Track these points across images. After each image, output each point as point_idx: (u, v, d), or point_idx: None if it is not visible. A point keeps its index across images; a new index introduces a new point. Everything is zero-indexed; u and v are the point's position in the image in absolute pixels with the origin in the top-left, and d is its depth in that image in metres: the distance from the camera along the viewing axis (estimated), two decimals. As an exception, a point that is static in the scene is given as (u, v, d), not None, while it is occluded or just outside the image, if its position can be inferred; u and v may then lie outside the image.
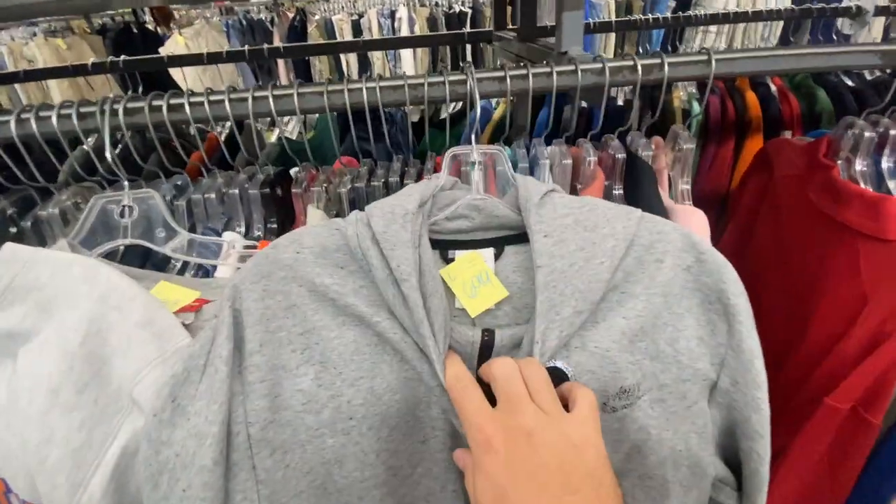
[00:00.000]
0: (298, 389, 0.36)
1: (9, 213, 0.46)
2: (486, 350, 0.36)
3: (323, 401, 0.37)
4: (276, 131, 0.94)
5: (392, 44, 1.80)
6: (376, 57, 2.30)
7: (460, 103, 0.92)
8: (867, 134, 0.51)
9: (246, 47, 1.14)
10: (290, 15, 2.87)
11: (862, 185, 0.52)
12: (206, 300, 0.40)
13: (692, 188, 0.58)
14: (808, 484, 0.53)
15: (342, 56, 2.34)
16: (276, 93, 0.46)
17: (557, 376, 0.36)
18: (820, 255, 0.54)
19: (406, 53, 2.21)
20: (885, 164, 0.51)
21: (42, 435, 0.34)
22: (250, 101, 0.46)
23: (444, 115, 0.96)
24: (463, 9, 2.37)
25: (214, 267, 0.42)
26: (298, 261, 0.37)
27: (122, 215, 0.41)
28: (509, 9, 1.01)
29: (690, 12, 1.41)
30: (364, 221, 0.37)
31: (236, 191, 0.46)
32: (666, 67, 0.45)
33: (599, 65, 0.45)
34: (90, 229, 0.41)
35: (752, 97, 0.84)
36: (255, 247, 0.43)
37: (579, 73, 0.44)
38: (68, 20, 2.61)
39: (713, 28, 2.02)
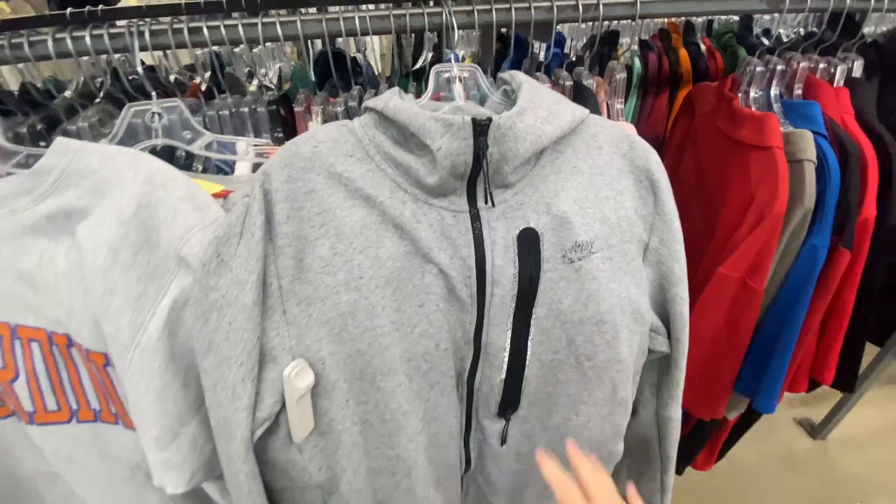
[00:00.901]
0: (318, 256, 0.45)
1: (38, 129, 0.51)
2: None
3: (338, 265, 0.46)
4: (255, 81, 0.98)
5: None
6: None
7: (430, 56, 1.00)
8: (759, 69, 0.65)
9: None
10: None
11: (754, 109, 0.65)
12: (229, 191, 0.48)
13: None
14: (710, 345, 0.67)
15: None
16: (265, 20, 0.53)
17: (530, 234, 0.47)
18: (724, 169, 0.68)
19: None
20: (773, 91, 0.65)
21: (106, 286, 0.41)
22: (240, 27, 0.52)
23: (417, 66, 1.04)
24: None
25: (233, 166, 0.50)
26: (315, 153, 0.46)
27: (152, 122, 0.47)
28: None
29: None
30: (369, 110, 0.46)
31: (246, 109, 0.53)
32: (601, 8, 0.56)
33: (549, 3, 0.55)
34: (125, 133, 0.47)
35: (684, 54, 0.97)
36: (266, 150, 0.51)
37: (532, 9, 0.55)
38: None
39: None
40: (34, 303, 0.43)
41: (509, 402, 0.57)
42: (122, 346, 0.42)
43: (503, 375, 0.55)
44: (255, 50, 1.06)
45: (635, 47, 1.07)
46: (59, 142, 0.43)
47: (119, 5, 2.36)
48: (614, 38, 1.05)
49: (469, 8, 0.53)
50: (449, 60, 1.04)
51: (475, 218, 0.47)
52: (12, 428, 0.47)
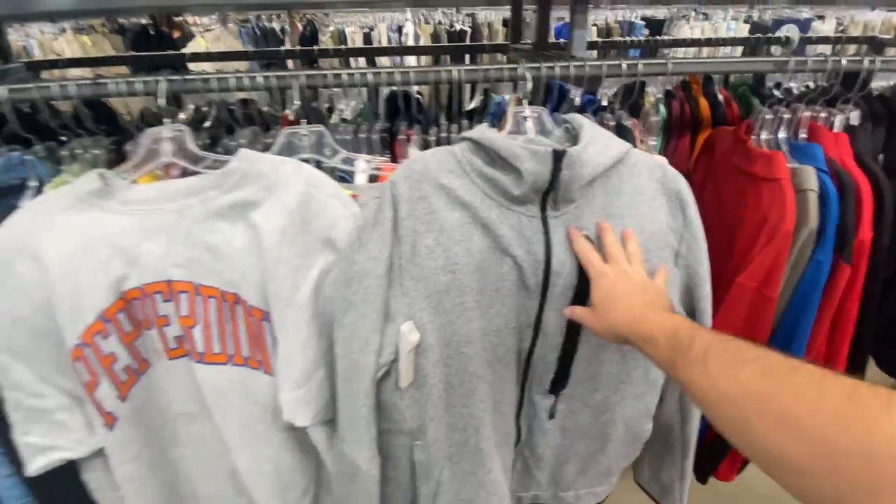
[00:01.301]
0: (425, 245, 0.60)
1: (205, 143, 0.68)
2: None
3: (439, 253, 0.60)
4: (336, 115, 1.17)
5: (402, 51, 2.05)
6: (383, 63, 2.57)
7: (478, 101, 1.18)
8: (768, 117, 0.79)
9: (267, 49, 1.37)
10: (300, 26, 3.12)
11: (765, 149, 0.79)
12: (356, 195, 0.63)
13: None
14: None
15: (352, 62, 2.60)
16: (346, 72, 0.70)
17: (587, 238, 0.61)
18: (740, 197, 0.81)
19: (411, 61, 2.49)
20: (781, 135, 0.79)
21: (274, 256, 0.56)
22: (330, 76, 0.69)
23: (469, 106, 1.21)
24: (463, 27, 2.68)
25: (352, 176, 0.66)
26: (426, 168, 0.61)
27: (301, 141, 0.64)
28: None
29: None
30: (467, 139, 0.61)
31: (365, 135, 0.70)
32: (640, 66, 0.72)
33: (600, 62, 0.71)
34: (282, 148, 0.63)
35: (703, 103, 1.12)
36: (380, 166, 0.67)
37: (587, 66, 0.71)
38: (90, 19, 2.78)
39: (681, 51, 2.38)
40: (215, 268, 0.58)
41: (560, 379, 0.69)
42: (282, 303, 0.56)
43: (559, 354, 0.67)
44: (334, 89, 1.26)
45: (660, 95, 1.23)
46: (243, 152, 0.59)
47: (188, 47, 2.65)
48: (642, 87, 1.21)
49: (538, 65, 0.69)
50: (498, 104, 1.22)
51: (545, 223, 0.61)
52: (181, 367, 0.61)
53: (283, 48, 2.22)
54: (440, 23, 2.74)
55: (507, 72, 0.68)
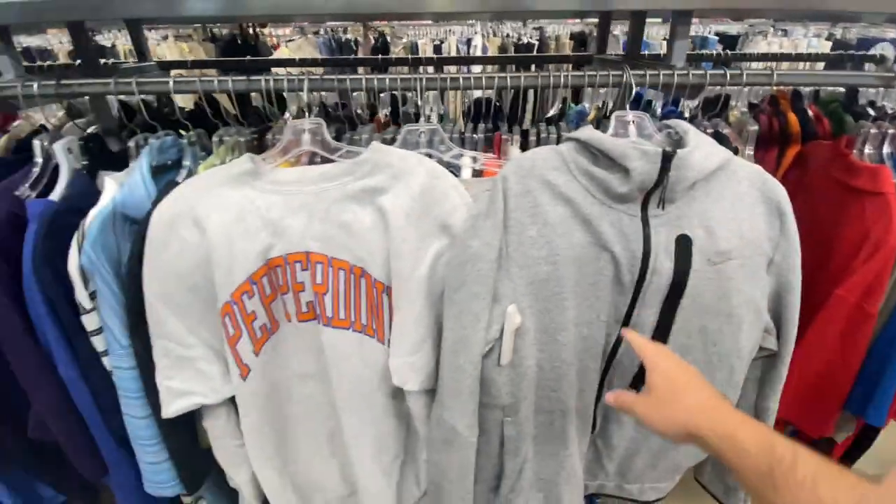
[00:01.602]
0: (529, 236, 0.64)
1: (333, 136, 0.76)
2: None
3: (541, 244, 0.64)
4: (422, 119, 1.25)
5: (472, 61, 2.10)
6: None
7: (558, 108, 1.21)
8: (873, 131, 0.78)
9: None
10: (372, 38, 3.29)
11: (868, 163, 0.78)
12: (465, 187, 0.69)
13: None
14: (824, 362, 0.77)
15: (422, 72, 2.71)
16: (441, 76, 0.75)
17: (686, 239, 0.63)
18: (839, 211, 0.80)
19: (478, 70, 2.56)
20: (885, 150, 0.78)
21: (399, 236, 0.62)
22: (424, 80, 0.74)
23: (550, 114, 1.25)
24: (530, 41, 2.73)
25: (459, 171, 0.72)
26: (533, 165, 0.66)
27: (419, 137, 0.71)
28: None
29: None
30: (573, 139, 0.65)
31: (471, 134, 0.76)
32: (745, 76, 0.73)
33: (703, 71, 0.73)
34: (402, 143, 0.70)
35: (792, 117, 1.11)
36: (486, 162, 0.73)
37: (690, 75, 0.73)
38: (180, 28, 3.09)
39: (758, 66, 2.32)
40: (347, 244, 0.65)
41: (643, 374, 0.71)
42: (403, 278, 0.63)
43: (645, 349, 0.69)
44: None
45: (744, 109, 1.22)
46: (374, 144, 0.66)
47: (276, 54, 2.86)
48: (726, 100, 1.21)
49: (643, 72, 0.73)
50: (579, 112, 1.25)
51: (645, 222, 0.64)
52: (308, 329, 0.69)
53: (355, 56, 2.35)
54: (508, 36, 2.81)
55: (613, 77, 0.72)
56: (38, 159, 0.73)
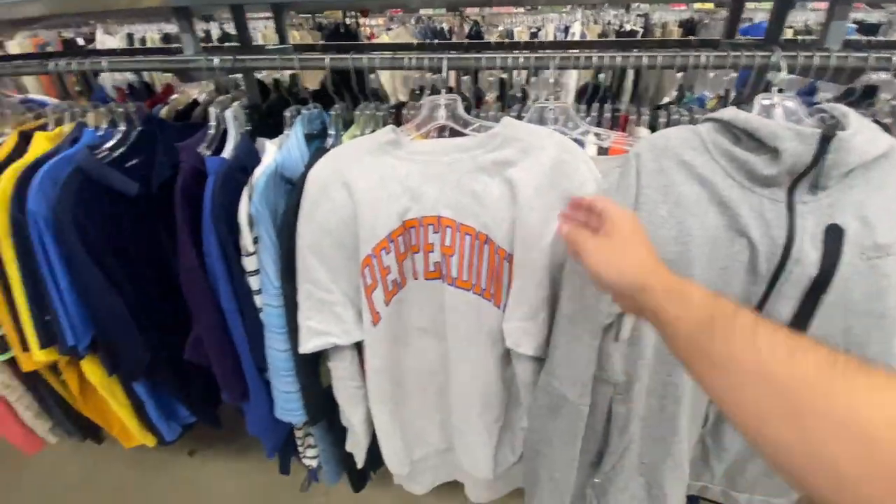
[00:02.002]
0: (659, 214, 0.64)
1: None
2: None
3: (671, 224, 0.64)
4: (530, 101, 1.26)
5: (579, 46, 2.04)
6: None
7: (672, 96, 1.15)
8: None
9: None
10: (466, 27, 3.33)
11: None
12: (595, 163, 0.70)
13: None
14: None
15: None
16: (537, 54, 0.75)
17: (836, 230, 0.60)
18: None
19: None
20: None
21: (528, 207, 0.65)
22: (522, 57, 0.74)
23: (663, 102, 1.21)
24: (634, 27, 2.61)
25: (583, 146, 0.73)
26: (668, 145, 0.65)
27: (549, 114, 0.73)
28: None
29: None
30: (714, 119, 0.64)
31: (596, 114, 0.77)
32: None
33: (865, 54, 0.68)
34: (534, 119, 0.73)
35: (958, 111, 0.98)
36: (614, 140, 0.73)
37: (850, 58, 0.68)
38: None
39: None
40: (475, 211, 0.69)
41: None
42: (527, 247, 0.66)
43: (775, 344, 0.66)
44: (531, 80, 1.35)
45: (895, 101, 1.09)
46: (506, 119, 0.70)
47: (376, 41, 2.99)
48: (872, 91, 1.09)
49: (794, 53, 0.69)
50: (699, 99, 1.19)
51: (790, 208, 0.61)
52: (432, 287, 0.75)
53: (450, 41, 2.39)
54: (609, 23, 2.71)
55: (759, 59, 0.69)
56: (213, 123, 0.85)
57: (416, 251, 0.72)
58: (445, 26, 3.36)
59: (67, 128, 0.93)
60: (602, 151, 0.75)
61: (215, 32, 3.08)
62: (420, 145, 0.72)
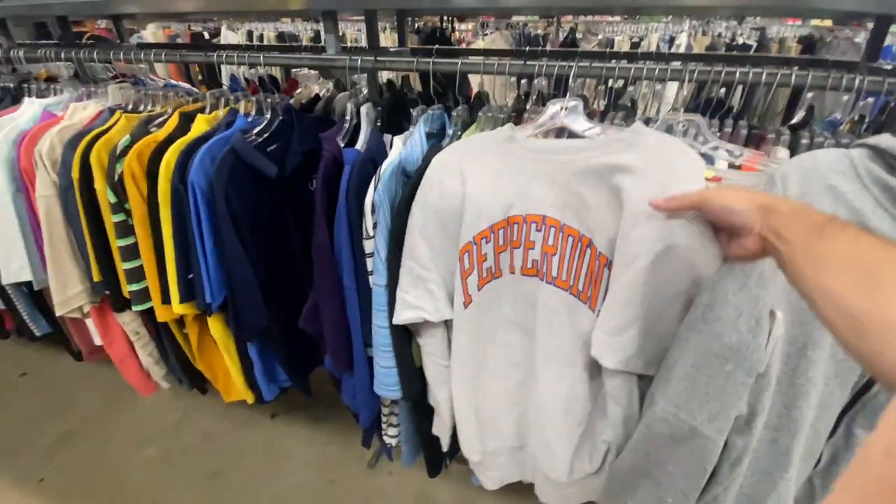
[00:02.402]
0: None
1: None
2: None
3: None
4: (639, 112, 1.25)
5: (681, 58, 1.97)
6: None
7: (800, 118, 1.08)
8: None
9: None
10: (562, 35, 3.30)
11: None
12: (720, 178, 0.68)
13: None
14: None
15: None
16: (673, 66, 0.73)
17: None
18: None
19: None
20: None
21: (632, 219, 0.65)
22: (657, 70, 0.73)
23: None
24: (748, 41, 2.46)
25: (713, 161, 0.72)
26: (815, 167, 0.62)
27: (678, 126, 0.73)
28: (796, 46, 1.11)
29: None
30: (868, 146, 0.61)
31: (730, 129, 0.76)
32: None
33: None
34: (661, 129, 0.74)
35: None
36: (747, 158, 0.71)
37: None
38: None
39: None
40: (580, 214, 0.70)
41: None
42: (625, 263, 0.66)
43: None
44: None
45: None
46: (637, 124, 0.70)
47: (472, 45, 3.05)
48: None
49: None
50: (831, 122, 1.10)
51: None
52: (527, 284, 0.77)
53: (541, 49, 2.40)
54: (720, 35, 2.57)
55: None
56: (347, 118, 0.93)
57: (516, 246, 0.75)
58: (540, 32, 3.37)
59: (222, 112, 1.06)
60: (733, 167, 0.73)
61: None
62: (535, 143, 0.75)
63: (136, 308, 1.18)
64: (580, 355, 0.76)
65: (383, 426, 1.14)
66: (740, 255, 0.55)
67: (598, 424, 0.83)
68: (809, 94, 1.14)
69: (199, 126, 1.02)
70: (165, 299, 1.10)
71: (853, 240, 0.41)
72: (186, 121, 1.05)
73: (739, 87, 1.27)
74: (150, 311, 1.17)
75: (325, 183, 0.86)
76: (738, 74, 0.72)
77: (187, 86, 1.57)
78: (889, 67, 1.11)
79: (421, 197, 0.78)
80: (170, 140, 1.00)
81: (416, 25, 3.73)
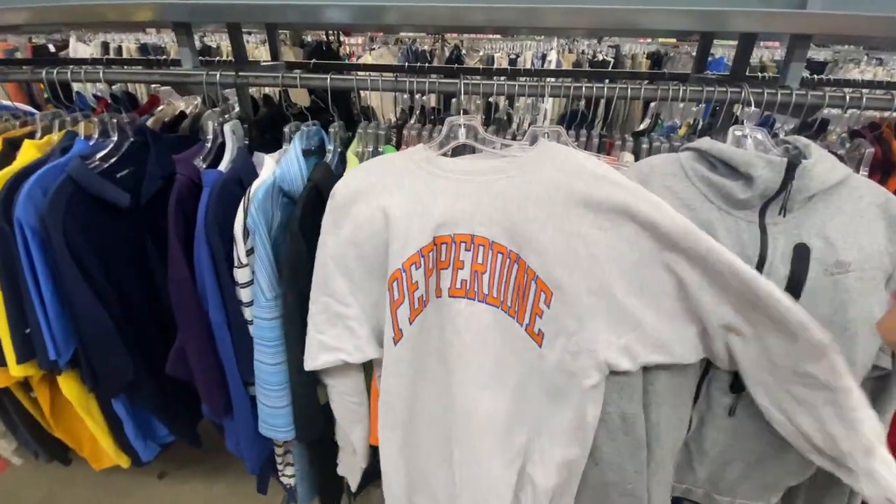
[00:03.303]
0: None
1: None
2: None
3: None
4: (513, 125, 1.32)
5: (555, 74, 2.15)
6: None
7: (647, 124, 1.24)
8: None
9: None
10: (447, 51, 3.43)
11: None
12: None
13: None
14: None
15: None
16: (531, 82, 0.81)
17: (803, 248, 0.66)
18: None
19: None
20: None
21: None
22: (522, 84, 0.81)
23: (640, 129, 1.29)
24: (606, 57, 2.77)
25: None
26: (652, 172, 0.71)
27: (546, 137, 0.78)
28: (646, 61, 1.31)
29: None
30: (692, 149, 0.70)
31: (585, 139, 0.83)
32: (864, 99, 0.75)
33: (822, 92, 0.76)
34: (531, 142, 0.78)
35: (897, 144, 1.09)
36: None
37: (809, 95, 0.76)
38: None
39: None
40: (507, 230, 0.68)
41: (739, 380, 0.73)
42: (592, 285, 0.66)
43: (750, 354, 0.72)
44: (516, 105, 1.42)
45: (844, 135, 1.21)
46: (542, 141, 0.73)
47: (361, 60, 3.04)
48: (824, 125, 1.21)
49: (760, 90, 0.76)
50: (671, 127, 1.28)
51: (763, 229, 0.67)
52: (455, 306, 0.71)
53: (427, 65, 2.48)
54: (583, 52, 2.86)
55: (731, 94, 0.76)
56: (210, 137, 0.86)
57: (443, 267, 0.72)
58: (427, 48, 3.46)
59: (56, 136, 0.91)
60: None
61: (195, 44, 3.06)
62: (453, 164, 0.73)
63: (-40, 376, 0.96)
64: (513, 375, 0.74)
65: (279, 466, 1.05)
66: None
67: (538, 452, 0.77)
68: (653, 104, 1.31)
69: (27, 153, 0.87)
70: (1, 361, 0.91)
71: None
72: (11, 149, 0.89)
73: (601, 100, 1.40)
74: (-18, 377, 0.96)
75: (179, 209, 0.77)
76: (594, 90, 0.80)
77: (24, 106, 1.34)
78: (712, 77, 1.32)
79: (332, 224, 0.73)
80: (-13, 172, 0.84)
81: (302, 39, 3.62)
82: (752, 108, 0.76)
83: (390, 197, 0.70)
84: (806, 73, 2.78)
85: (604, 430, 0.74)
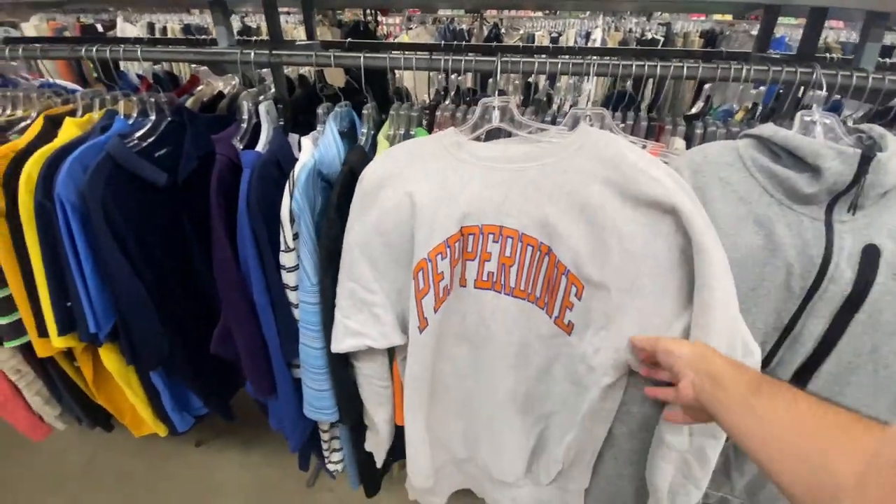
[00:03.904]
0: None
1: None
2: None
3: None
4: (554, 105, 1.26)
5: (599, 52, 2.02)
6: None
7: (698, 107, 1.15)
8: None
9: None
10: (486, 30, 3.33)
11: None
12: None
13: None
14: None
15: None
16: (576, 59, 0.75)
17: (873, 250, 0.59)
18: None
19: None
20: None
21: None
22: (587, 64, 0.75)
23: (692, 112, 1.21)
24: (655, 36, 2.61)
25: None
26: (705, 160, 0.65)
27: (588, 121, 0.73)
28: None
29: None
30: (753, 136, 0.64)
31: (632, 122, 0.77)
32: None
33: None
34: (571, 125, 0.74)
35: None
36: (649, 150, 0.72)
37: (886, 79, 0.68)
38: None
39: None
40: (539, 222, 0.65)
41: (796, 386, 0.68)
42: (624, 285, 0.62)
43: (802, 361, 0.66)
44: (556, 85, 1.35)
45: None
46: (582, 125, 0.68)
47: (398, 39, 3.00)
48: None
49: (834, 72, 0.69)
50: (727, 111, 1.18)
51: (829, 227, 0.61)
52: (481, 297, 0.71)
53: (465, 43, 2.40)
54: (630, 31, 2.71)
55: (801, 75, 0.69)
56: (245, 117, 0.85)
57: (470, 258, 0.70)
58: (465, 27, 3.37)
59: (97, 115, 0.93)
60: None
61: (235, 25, 3.10)
62: (484, 150, 0.69)
63: (9, 345, 1.02)
64: (538, 358, 0.73)
65: (325, 452, 1.07)
66: (681, 402, 0.57)
67: (556, 425, 0.79)
68: (707, 86, 1.22)
69: (68, 131, 0.89)
70: (43, 332, 0.95)
71: (791, 402, 0.44)
72: (52, 126, 0.92)
73: (651, 81, 1.32)
74: (30, 346, 1.02)
75: (220, 190, 0.77)
76: (646, 68, 0.74)
77: (69, 84, 1.38)
78: (777, 56, 1.21)
79: (359, 210, 0.71)
80: (31, 149, 0.86)
81: (339, 19, 3.60)
82: (821, 91, 0.68)
83: (417, 183, 0.67)
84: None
85: (623, 427, 0.71)
